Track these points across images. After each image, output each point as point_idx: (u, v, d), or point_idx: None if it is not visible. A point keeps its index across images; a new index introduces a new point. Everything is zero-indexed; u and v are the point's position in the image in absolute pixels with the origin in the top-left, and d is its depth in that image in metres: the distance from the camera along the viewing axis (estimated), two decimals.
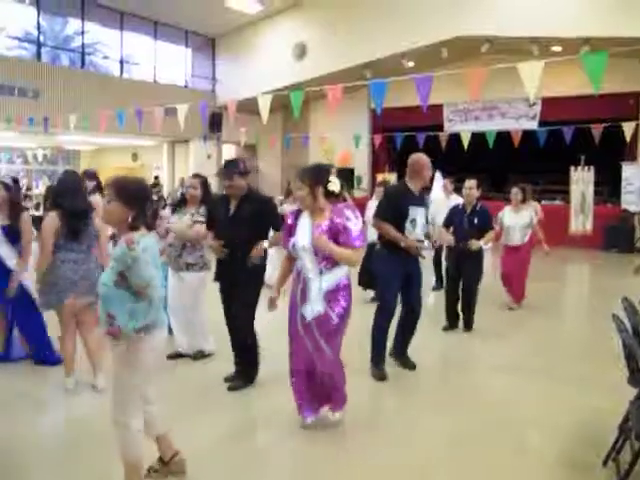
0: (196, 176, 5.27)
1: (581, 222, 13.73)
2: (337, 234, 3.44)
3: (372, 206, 7.50)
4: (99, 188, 6.29)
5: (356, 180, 18.00)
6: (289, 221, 3.71)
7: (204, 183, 5.14)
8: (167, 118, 9.34)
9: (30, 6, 14.60)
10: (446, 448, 3.65)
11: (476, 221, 6.11)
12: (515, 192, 7.36)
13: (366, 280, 7.60)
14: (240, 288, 4.42)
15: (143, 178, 3.29)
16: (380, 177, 16.61)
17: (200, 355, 5.21)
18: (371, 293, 7.56)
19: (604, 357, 5.28)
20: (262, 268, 4.56)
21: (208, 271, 5.06)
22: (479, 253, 6.13)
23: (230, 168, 4.49)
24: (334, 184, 3.51)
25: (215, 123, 17.18)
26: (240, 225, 4.38)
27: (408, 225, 4.73)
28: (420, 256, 4.91)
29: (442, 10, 13.08)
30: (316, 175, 3.53)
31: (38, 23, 15.48)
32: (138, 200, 2.83)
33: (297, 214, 3.68)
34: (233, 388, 4.49)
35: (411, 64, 14.57)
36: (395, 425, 3.98)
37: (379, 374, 4.79)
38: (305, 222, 3.58)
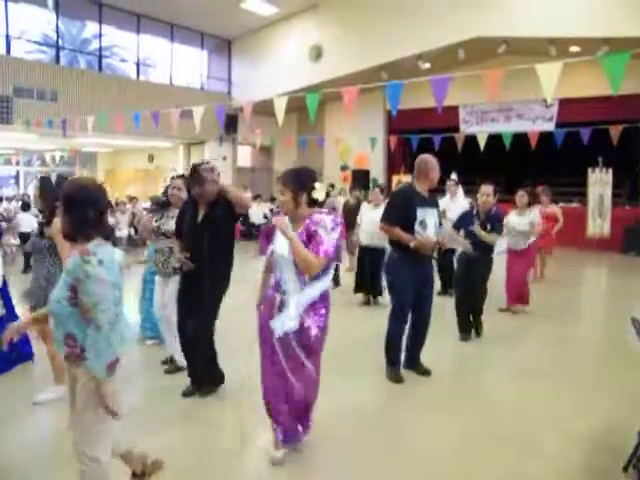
0: (181, 176, 5.02)
1: (599, 224, 13.60)
2: (308, 240, 3.16)
3: (370, 210, 7.49)
4: None
5: (372, 182, 17.97)
6: (266, 228, 3.52)
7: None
8: (183, 120, 9.40)
9: (48, 10, 14.75)
10: (458, 452, 3.62)
11: (489, 227, 5.91)
12: (520, 194, 7.22)
13: (358, 284, 7.82)
14: (202, 300, 4.19)
15: (92, 180, 2.82)
16: (396, 179, 16.61)
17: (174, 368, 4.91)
18: (360, 297, 7.79)
19: (623, 361, 5.22)
20: (227, 280, 4.33)
21: None
22: (489, 259, 6.02)
23: (198, 178, 4.15)
24: (318, 191, 3.25)
25: (231, 125, 17.26)
26: (206, 233, 4.13)
27: (417, 227, 4.61)
28: (432, 257, 4.87)
29: (459, 11, 13.01)
30: (300, 180, 3.27)
31: (57, 27, 15.67)
32: (76, 205, 2.52)
33: (268, 231, 3.46)
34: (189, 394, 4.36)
35: (427, 65, 14.53)
36: (406, 427, 3.96)
37: (395, 377, 4.77)
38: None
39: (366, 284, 7.67)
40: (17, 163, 22.38)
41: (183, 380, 4.46)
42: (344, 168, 18.23)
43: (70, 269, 2.46)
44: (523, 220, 7.14)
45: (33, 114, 13.03)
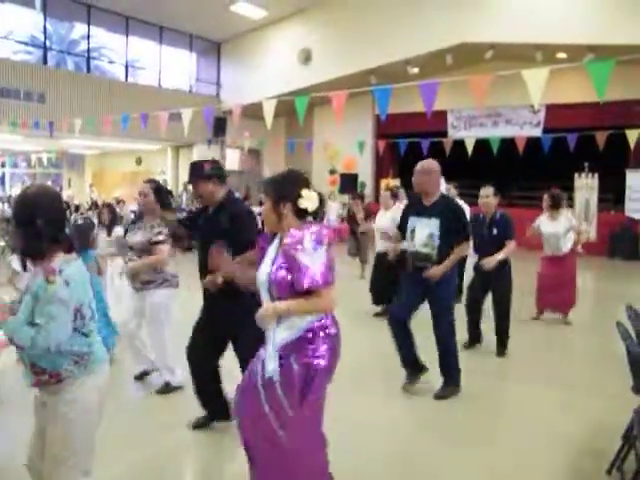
0: (149, 181, 4.51)
1: (585, 229, 13.69)
2: (290, 267, 2.49)
3: (381, 216, 7.36)
4: None
5: (360, 186, 18.00)
6: (259, 244, 2.84)
7: (158, 189, 4.39)
8: (171, 123, 9.36)
9: (37, 12, 14.67)
10: (448, 451, 3.63)
11: (495, 232, 5.60)
12: (545, 199, 6.92)
13: (375, 295, 7.37)
14: (231, 327, 3.58)
15: (43, 187, 2.51)
16: (384, 183, 16.64)
17: (166, 389, 4.53)
18: (378, 308, 7.35)
19: (607, 365, 5.26)
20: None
21: (171, 288, 4.49)
22: (506, 265, 5.61)
23: (192, 173, 3.73)
24: (307, 200, 2.60)
25: (219, 128, 17.24)
26: (211, 240, 3.34)
27: (407, 235, 4.53)
28: (408, 269, 4.55)
29: (447, 16, 13.11)
30: (281, 187, 2.64)
31: (45, 27, 15.58)
32: (25, 219, 2.30)
33: (271, 236, 2.75)
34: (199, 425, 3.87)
35: (415, 70, 14.62)
36: (403, 427, 3.97)
37: (406, 385, 4.68)
38: (272, 248, 2.68)
39: (383, 293, 7.17)
40: (3, 165, 22.20)
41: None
42: (332, 172, 18.26)
43: (33, 288, 2.25)
44: (559, 224, 6.79)
45: (20, 115, 12.93)
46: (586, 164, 13.47)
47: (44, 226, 2.28)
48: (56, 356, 2.29)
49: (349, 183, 17.51)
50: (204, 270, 3.50)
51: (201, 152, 18.13)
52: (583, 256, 13.25)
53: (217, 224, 3.57)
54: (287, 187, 2.62)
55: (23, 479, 2.56)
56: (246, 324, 3.05)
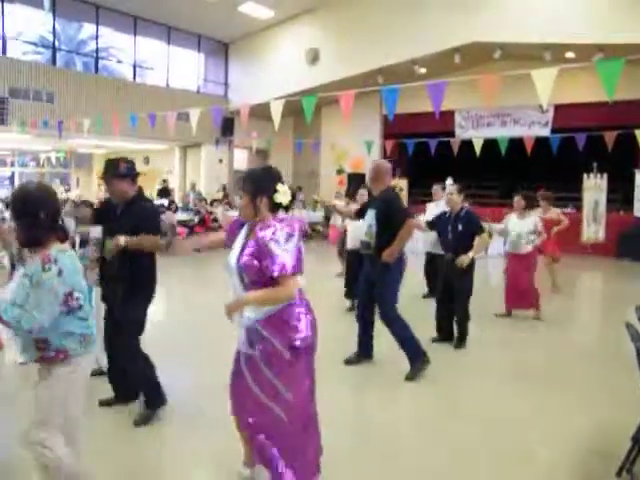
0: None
1: (593, 230, 13.63)
2: (260, 255, 2.71)
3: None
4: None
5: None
6: (228, 228, 3.13)
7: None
8: (179, 123, 9.40)
9: (45, 12, 14.74)
10: (454, 457, 3.62)
11: (460, 227, 5.82)
12: (517, 199, 7.21)
13: (347, 290, 7.54)
14: (121, 306, 3.88)
15: (41, 184, 2.84)
16: (392, 183, 16.60)
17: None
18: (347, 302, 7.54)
19: (616, 366, 5.23)
20: (145, 281, 3.98)
21: None
22: (470, 264, 5.82)
23: (107, 170, 3.92)
24: (282, 194, 2.83)
25: (227, 128, 17.27)
26: (119, 234, 3.75)
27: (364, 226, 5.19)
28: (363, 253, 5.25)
29: (455, 16, 13.07)
30: (259, 182, 2.85)
31: (54, 28, 15.66)
32: (26, 210, 2.55)
33: (242, 224, 2.99)
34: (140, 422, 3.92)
35: (423, 70, 14.59)
36: (401, 432, 3.96)
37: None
38: (241, 236, 2.91)
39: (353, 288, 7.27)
40: (12, 164, 22.33)
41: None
42: (340, 172, 18.25)
43: (29, 273, 2.45)
44: (525, 223, 7.06)
45: (29, 115, 13.01)
46: (595, 164, 13.38)
47: (45, 217, 2.53)
48: (65, 335, 2.57)
49: (357, 183, 17.49)
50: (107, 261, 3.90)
51: (209, 152, 18.18)
52: (591, 256, 13.25)
53: (127, 220, 3.83)
54: (264, 183, 2.85)
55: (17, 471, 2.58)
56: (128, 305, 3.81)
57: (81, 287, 2.63)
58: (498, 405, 4.47)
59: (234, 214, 16.04)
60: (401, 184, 14.78)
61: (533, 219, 7.14)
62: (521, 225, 7.08)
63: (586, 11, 11.81)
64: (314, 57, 16.24)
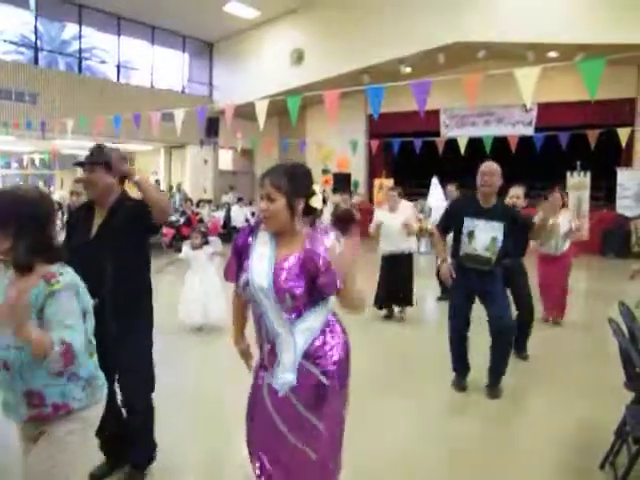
0: (79, 180, 3.72)
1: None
2: (312, 272, 2.16)
3: (392, 217, 6.85)
4: None
5: (354, 185, 18.03)
6: (239, 240, 2.38)
7: None
8: (164, 123, 9.36)
9: (28, 10, 14.61)
10: (438, 450, 3.65)
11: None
12: (556, 198, 6.43)
13: (383, 296, 7.01)
14: (121, 342, 2.87)
15: (35, 188, 2.23)
16: (377, 183, 16.66)
17: None
18: (384, 311, 7.15)
19: (600, 361, 5.30)
20: (146, 307, 3.10)
21: None
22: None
23: (93, 156, 3.04)
24: (318, 198, 2.33)
25: (212, 128, 17.22)
26: (106, 251, 2.82)
27: (464, 237, 4.41)
28: (447, 281, 4.54)
29: (440, 16, 13.16)
30: (300, 181, 2.25)
31: (35, 27, 15.54)
32: (29, 224, 1.98)
33: (253, 230, 2.36)
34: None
35: (408, 70, 14.65)
36: (395, 422, 3.98)
37: (456, 385, 4.71)
38: (266, 251, 2.26)
39: (393, 295, 6.99)
40: None
41: None
42: (325, 172, 18.27)
43: (32, 301, 1.88)
44: (562, 222, 6.43)
45: (11, 116, 12.87)
46: (578, 162, 13.53)
47: (44, 232, 2.09)
48: (65, 381, 1.98)
49: (342, 183, 17.54)
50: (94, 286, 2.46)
51: (194, 153, 18.11)
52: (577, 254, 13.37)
53: (114, 227, 2.96)
54: (303, 181, 2.28)
55: None
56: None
57: (91, 311, 2.09)
58: (481, 397, 4.51)
59: (219, 214, 15.98)
60: (387, 183, 14.80)
61: (567, 218, 6.62)
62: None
63: (568, 11, 11.95)
64: (299, 57, 16.25)
